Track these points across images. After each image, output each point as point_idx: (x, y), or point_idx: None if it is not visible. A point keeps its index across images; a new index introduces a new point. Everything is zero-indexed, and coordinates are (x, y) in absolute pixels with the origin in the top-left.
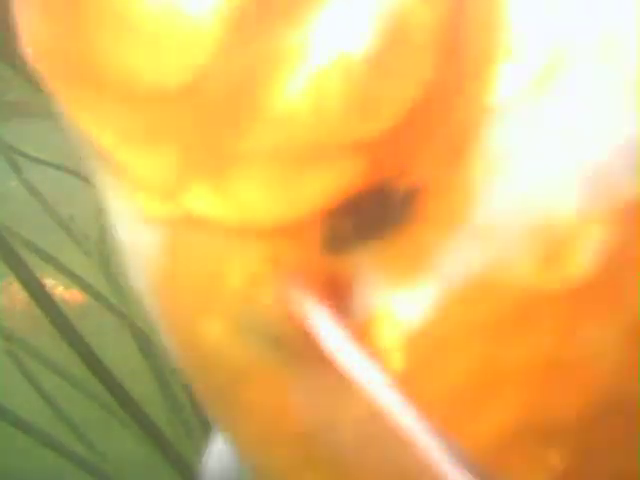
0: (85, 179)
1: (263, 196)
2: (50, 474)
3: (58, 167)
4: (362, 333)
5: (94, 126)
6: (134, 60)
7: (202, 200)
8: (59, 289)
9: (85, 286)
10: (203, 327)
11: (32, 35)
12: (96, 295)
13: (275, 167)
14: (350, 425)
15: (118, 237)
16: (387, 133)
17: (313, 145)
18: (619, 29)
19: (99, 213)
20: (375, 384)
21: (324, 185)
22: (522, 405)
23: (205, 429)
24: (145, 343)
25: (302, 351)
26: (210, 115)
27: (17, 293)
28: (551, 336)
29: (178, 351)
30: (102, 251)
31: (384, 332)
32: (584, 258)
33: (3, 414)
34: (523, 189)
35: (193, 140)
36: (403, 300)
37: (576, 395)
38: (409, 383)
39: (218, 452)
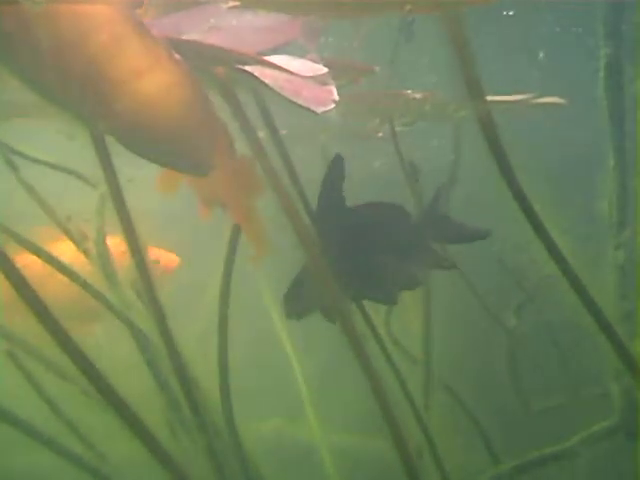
0: (83, 179)
1: None
2: (50, 474)
3: (56, 167)
4: None
5: None
6: None
7: None
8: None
9: (84, 285)
10: None
11: None
12: (95, 294)
13: None
14: None
15: None
16: None
17: None
18: None
19: (97, 213)
20: None
21: None
22: None
23: (205, 429)
24: (145, 343)
25: None
26: None
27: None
28: None
29: None
30: (100, 250)
31: None
32: None
33: (3, 414)
34: None
35: None
36: None
37: None
38: None
39: None
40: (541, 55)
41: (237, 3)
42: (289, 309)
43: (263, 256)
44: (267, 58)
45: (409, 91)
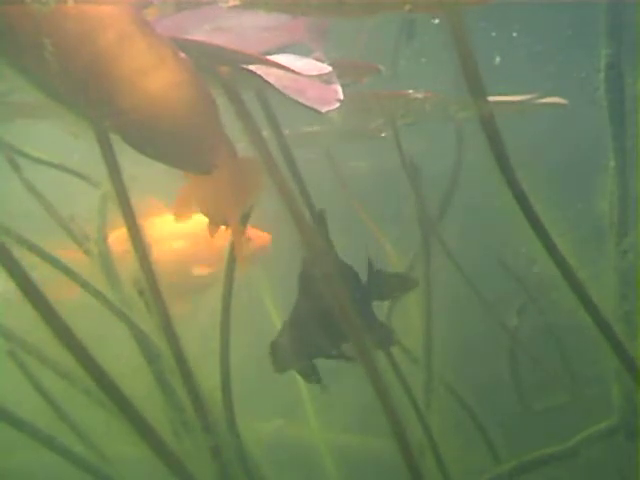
0: (85, 179)
1: None
2: (50, 474)
3: (59, 167)
4: None
5: None
6: None
7: None
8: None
9: (85, 285)
10: None
11: None
12: (96, 295)
13: None
14: None
15: None
16: None
17: None
18: None
19: (99, 213)
20: None
21: None
22: None
23: (205, 429)
24: (145, 343)
25: None
26: None
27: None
28: None
29: None
30: (102, 251)
31: None
32: None
33: (3, 414)
34: None
35: None
36: None
37: None
38: None
39: None
40: (498, 59)
41: (237, 3)
42: (276, 362)
43: (245, 267)
44: (271, 57)
45: (410, 91)
